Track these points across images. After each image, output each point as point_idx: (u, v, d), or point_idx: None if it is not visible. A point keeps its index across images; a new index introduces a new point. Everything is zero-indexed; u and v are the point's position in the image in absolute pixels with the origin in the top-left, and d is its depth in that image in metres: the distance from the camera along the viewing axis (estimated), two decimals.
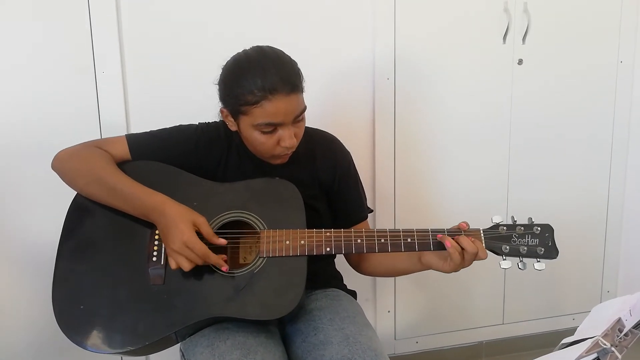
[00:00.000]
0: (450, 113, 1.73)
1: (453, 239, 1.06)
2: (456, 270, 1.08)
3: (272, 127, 1.07)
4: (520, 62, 1.74)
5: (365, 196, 1.30)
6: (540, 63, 1.75)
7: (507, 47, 1.72)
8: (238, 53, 1.11)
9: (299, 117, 1.09)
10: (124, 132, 1.38)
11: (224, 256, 1.06)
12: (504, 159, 1.80)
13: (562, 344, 0.85)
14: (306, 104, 1.12)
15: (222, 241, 1.05)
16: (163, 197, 1.06)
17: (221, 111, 1.14)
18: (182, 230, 1.02)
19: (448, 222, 1.13)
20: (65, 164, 1.13)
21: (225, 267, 1.05)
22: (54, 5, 1.41)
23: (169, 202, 1.05)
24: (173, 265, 1.04)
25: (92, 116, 1.47)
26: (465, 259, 1.06)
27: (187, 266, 1.03)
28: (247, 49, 1.12)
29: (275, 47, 1.12)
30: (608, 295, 1.99)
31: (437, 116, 1.72)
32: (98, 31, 1.44)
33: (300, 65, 1.11)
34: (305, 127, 1.16)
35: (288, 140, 1.08)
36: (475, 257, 1.06)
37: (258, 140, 1.09)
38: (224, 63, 1.12)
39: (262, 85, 1.04)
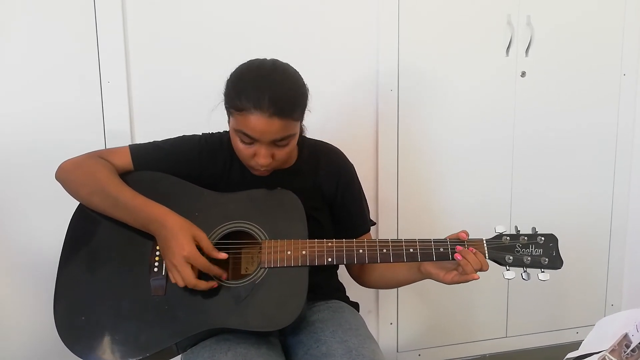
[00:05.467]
0: (454, 124, 1.73)
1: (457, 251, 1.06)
2: (456, 283, 1.08)
3: (250, 140, 1.07)
4: (523, 74, 1.74)
5: (368, 209, 1.29)
6: (543, 76, 1.76)
7: (510, 60, 1.72)
8: (257, 58, 1.11)
9: (279, 142, 1.07)
10: (128, 142, 1.39)
11: (224, 273, 1.06)
12: (507, 170, 1.80)
13: (567, 358, 0.84)
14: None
15: (223, 255, 1.05)
16: (164, 209, 1.06)
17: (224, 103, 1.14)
18: (182, 244, 1.01)
19: (451, 233, 1.12)
20: (69, 175, 1.14)
21: (224, 276, 1.05)
22: (60, 15, 1.42)
23: (170, 215, 1.05)
24: (173, 279, 1.04)
25: (97, 126, 1.48)
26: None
27: (182, 283, 1.02)
28: (267, 58, 1.11)
29: (292, 64, 1.10)
30: (612, 309, 1.97)
31: (441, 127, 1.72)
32: (104, 41, 1.45)
33: (305, 77, 1.10)
34: (309, 138, 1.16)
35: (262, 158, 1.07)
36: (479, 270, 1.06)
37: (237, 146, 1.10)
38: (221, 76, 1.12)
39: (251, 96, 1.03)
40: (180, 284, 1.03)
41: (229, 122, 1.13)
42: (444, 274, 1.09)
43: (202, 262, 1.02)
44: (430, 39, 1.66)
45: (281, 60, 1.11)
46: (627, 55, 1.81)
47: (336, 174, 1.22)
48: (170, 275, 1.04)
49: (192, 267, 1.02)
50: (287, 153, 1.11)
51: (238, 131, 1.07)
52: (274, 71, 1.08)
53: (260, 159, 1.08)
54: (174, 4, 1.49)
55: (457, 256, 1.06)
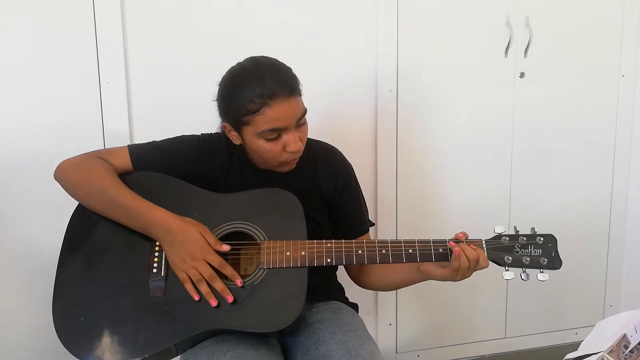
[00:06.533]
0: (453, 125, 1.73)
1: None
2: (454, 280, 1.08)
3: (276, 133, 1.08)
4: (522, 75, 1.75)
5: (367, 210, 1.29)
6: (541, 77, 1.76)
7: (509, 61, 1.73)
8: (233, 66, 1.12)
9: (301, 120, 1.10)
10: (127, 143, 1.38)
11: (238, 277, 1.06)
12: (506, 171, 1.80)
13: (567, 359, 0.84)
14: (308, 116, 1.12)
15: (226, 247, 1.06)
16: (164, 212, 1.06)
17: (223, 126, 1.14)
18: (199, 245, 1.03)
19: (451, 233, 1.12)
20: (68, 175, 1.14)
21: (239, 281, 1.05)
22: (59, 16, 1.42)
23: (171, 217, 1.05)
24: (195, 274, 1.04)
25: (96, 126, 1.48)
26: (465, 266, 1.06)
27: (197, 277, 1.03)
28: (241, 61, 1.12)
29: (273, 57, 1.12)
30: (611, 310, 1.97)
31: (440, 128, 1.72)
32: (103, 42, 1.45)
33: (303, 78, 1.11)
34: (308, 138, 1.16)
35: (293, 144, 1.08)
36: (477, 265, 1.06)
37: (264, 149, 1.09)
38: (220, 79, 1.12)
39: (261, 92, 1.04)
40: (206, 273, 1.03)
41: (240, 138, 1.12)
42: (441, 271, 1.09)
43: (218, 259, 1.03)
44: (429, 39, 1.66)
45: (282, 61, 1.12)
46: (626, 56, 1.81)
47: (335, 174, 1.22)
48: (191, 272, 1.04)
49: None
50: (307, 131, 1.13)
51: (262, 132, 1.07)
52: (261, 63, 1.10)
53: (292, 145, 1.08)
54: (172, 5, 1.49)
55: (451, 243, 1.06)
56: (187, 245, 1.03)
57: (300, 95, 1.10)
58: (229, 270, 1.05)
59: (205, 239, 1.05)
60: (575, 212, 1.87)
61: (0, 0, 1.38)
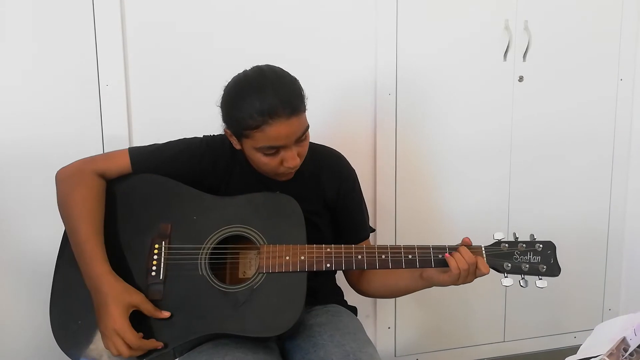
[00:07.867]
0: (452, 129, 1.73)
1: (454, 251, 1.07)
2: (456, 284, 1.08)
3: (275, 150, 1.07)
4: (520, 79, 1.75)
5: (368, 215, 1.29)
6: (540, 80, 1.77)
7: (507, 65, 1.73)
8: (238, 75, 1.10)
9: (301, 137, 1.08)
10: (126, 146, 1.39)
11: (160, 344, 1.02)
12: (505, 174, 1.80)
13: None
14: (308, 118, 1.12)
15: (166, 314, 1.03)
16: (104, 269, 1.02)
17: (225, 131, 1.14)
18: (113, 316, 0.98)
19: (449, 238, 1.13)
20: (59, 187, 1.12)
21: (160, 345, 1.02)
22: (58, 18, 1.42)
23: (107, 278, 1.01)
24: (107, 347, 1.00)
25: (95, 129, 1.48)
26: (464, 268, 1.06)
27: (115, 353, 0.99)
28: (247, 69, 1.10)
29: (276, 65, 1.11)
30: (610, 313, 1.97)
31: (439, 132, 1.73)
32: (103, 44, 1.45)
33: (302, 81, 1.11)
34: (311, 142, 1.16)
35: (291, 161, 1.07)
36: (476, 269, 1.06)
37: (261, 162, 1.09)
38: (225, 84, 1.11)
39: (262, 110, 1.02)
40: (114, 353, 1.00)
41: (239, 145, 1.11)
42: (443, 276, 1.09)
43: (131, 339, 0.99)
44: (428, 43, 1.67)
45: (281, 66, 1.11)
46: (624, 60, 1.82)
47: (338, 178, 1.22)
48: (103, 341, 1.01)
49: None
50: (307, 145, 1.12)
51: (260, 148, 1.06)
52: (265, 76, 1.07)
53: (290, 162, 1.07)
54: (172, 8, 1.49)
55: (447, 255, 1.06)
56: (106, 314, 0.99)
57: (304, 111, 1.08)
58: (146, 346, 1.01)
59: (139, 309, 1.02)
60: (574, 214, 1.87)
61: (0, 3, 1.38)
